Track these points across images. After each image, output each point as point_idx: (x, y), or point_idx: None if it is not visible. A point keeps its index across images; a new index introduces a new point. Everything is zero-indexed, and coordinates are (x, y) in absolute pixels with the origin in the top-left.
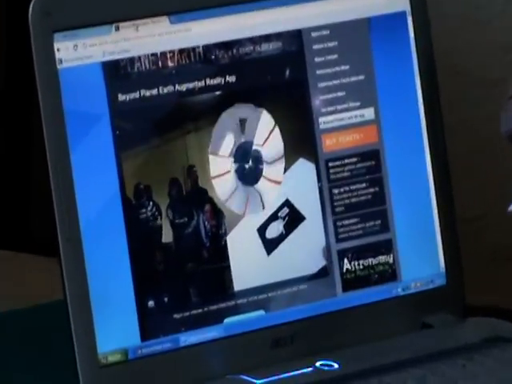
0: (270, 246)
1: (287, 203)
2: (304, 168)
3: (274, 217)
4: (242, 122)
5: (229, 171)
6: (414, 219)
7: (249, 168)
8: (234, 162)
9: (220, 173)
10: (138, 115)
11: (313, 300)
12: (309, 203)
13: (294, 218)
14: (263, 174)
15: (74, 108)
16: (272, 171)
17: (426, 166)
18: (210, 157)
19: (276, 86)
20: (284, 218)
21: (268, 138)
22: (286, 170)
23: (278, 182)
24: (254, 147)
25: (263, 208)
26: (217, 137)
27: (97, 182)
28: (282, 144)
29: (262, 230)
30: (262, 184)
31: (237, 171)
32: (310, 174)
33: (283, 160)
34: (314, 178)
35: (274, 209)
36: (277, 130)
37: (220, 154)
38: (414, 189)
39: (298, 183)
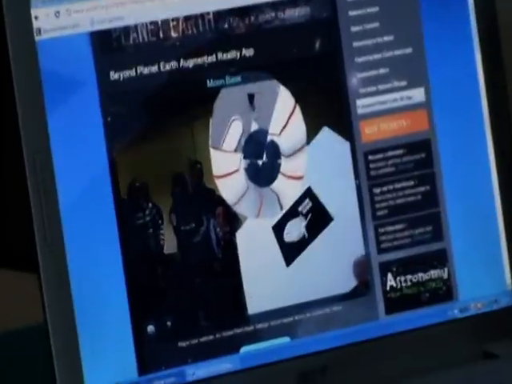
0: (290, 252)
1: (309, 194)
2: (334, 161)
3: (292, 212)
4: (251, 98)
5: (237, 170)
6: (474, 225)
7: (262, 165)
8: (244, 157)
9: (225, 172)
10: (133, 97)
11: (349, 324)
12: (340, 202)
13: (318, 217)
14: (280, 170)
15: (55, 89)
16: (292, 166)
17: (488, 160)
18: (212, 151)
19: (302, 61)
20: (306, 216)
21: (286, 124)
22: (309, 160)
23: (299, 178)
24: (269, 137)
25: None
26: (218, 122)
27: (83, 178)
28: (305, 129)
29: (278, 230)
30: (279, 183)
31: (247, 170)
32: (344, 170)
33: (305, 150)
34: (349, 175)
35: (293, 201)
36: (297, 111)
37: (224, 149)
38: (473, 188)
39: (326, 176)
